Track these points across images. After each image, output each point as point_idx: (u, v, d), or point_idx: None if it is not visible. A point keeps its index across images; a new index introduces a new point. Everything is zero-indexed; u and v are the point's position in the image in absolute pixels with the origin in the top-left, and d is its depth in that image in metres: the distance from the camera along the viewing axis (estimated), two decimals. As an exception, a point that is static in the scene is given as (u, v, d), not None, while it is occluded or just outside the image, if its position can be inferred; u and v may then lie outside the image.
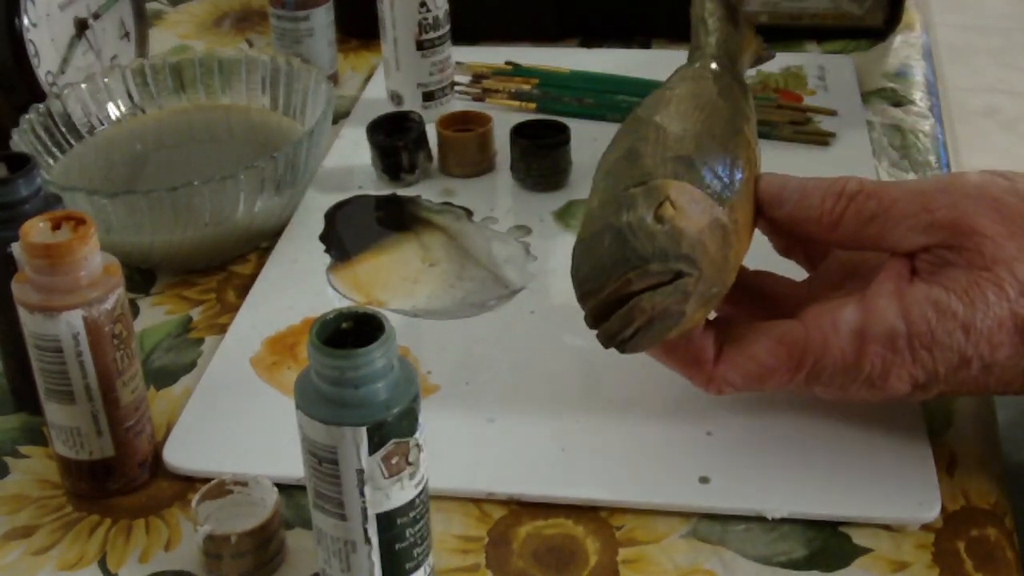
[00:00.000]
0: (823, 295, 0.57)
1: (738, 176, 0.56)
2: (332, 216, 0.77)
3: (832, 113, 0.85)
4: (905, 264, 0.54)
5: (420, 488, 0.48)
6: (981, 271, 0.52)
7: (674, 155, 0.55)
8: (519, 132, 0.79)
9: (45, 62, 0.83)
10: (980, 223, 0.52)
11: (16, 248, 0.54)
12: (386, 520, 0.47)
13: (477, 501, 0.57)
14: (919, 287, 0.53)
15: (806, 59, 0.93)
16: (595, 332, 0.53)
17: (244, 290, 0.71)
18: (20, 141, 0.73)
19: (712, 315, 0.57)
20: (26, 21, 0.80)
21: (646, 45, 0.98)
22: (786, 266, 0.62)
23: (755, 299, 0.60)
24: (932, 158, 0.82)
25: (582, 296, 0.53)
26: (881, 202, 0.54)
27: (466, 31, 0.92)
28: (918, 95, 0.89)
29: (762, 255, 0.60)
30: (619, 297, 0.52)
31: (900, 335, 0.52)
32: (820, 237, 0.57)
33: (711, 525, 0.55)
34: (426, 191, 0.79)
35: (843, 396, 0.55)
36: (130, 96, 0.81)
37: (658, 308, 0.51)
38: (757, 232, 0.59)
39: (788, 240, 0.61)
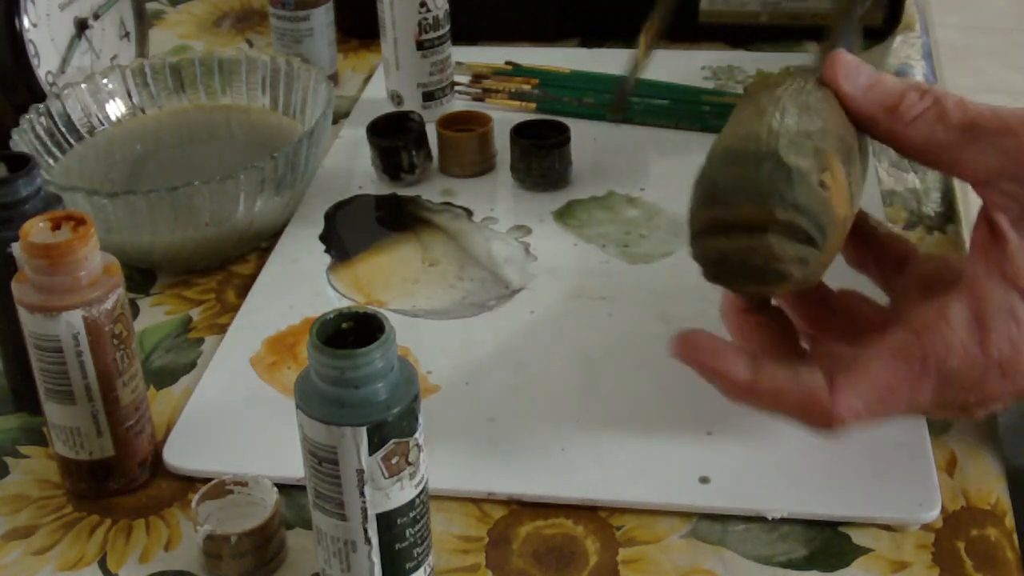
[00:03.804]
0: (912, 308, 0.53)
1: (858, 192, 0.54)
2: (332, 216, 0.77)
3: (832, 113, 0.85)
4: (985, 233, 0.52)
5: (420, 488, 0.48)
6: None
7: (838, 136, 0.52)
8: (519, 132, 0.79)
9: (45, 62, 0.83)
10: None
11: (16, 248, 0.54)
12: (386, 520, 0.47)
13: (477, 501, 0.57)
14: (1015, 252, 0.50)
15: (806, 59, 0.93)
16: (692, 240, 0.51)
17: (244, 290, 0.71)
18: (20, 141, 0.73)
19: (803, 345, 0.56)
20: (26, 21, 0.80)
21: (646, 45, 0.98)
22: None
23: (840, 320, 0.57)
24: (932, 158, 0.82)
25: (710, 200, 0.50)
26: (967, 112, 0.51)
27: (466, 31, 0.92)
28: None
29: (834, 274, 0.59)
30: (748, 222, 0.49)
31: (1018, 305, 0.50)
32: (887, 131, 0.53)
33: (711, 525, 0.55)
34: (426, 191, 0.79)
35: (972, 409, 0.52)
36: (130, 96, 0.81)
37: (780, 255, 0.49)
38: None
39: (861, 251, 0.59)
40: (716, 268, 0.51)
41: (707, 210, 0.51)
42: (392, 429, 0.46)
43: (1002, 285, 0.50)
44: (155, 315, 0.70)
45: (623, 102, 0.66)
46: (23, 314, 0.54)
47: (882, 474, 0.56)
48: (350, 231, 0.76)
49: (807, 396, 0.51)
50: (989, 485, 0.56)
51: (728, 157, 0.51)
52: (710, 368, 0.53)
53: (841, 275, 0.60)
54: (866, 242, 0.59)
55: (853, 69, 0.54)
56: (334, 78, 0.92)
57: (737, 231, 0.50)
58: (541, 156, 0.78)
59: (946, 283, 0.53)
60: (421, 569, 0.50)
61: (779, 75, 0.57)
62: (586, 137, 0.83)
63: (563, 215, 0.76)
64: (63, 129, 0.77)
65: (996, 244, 0.51)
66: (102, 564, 0.55)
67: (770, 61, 0.93)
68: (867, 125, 0.54)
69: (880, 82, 0.53)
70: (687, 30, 0.97)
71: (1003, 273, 0.50)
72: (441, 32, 0.85)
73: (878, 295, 0.59)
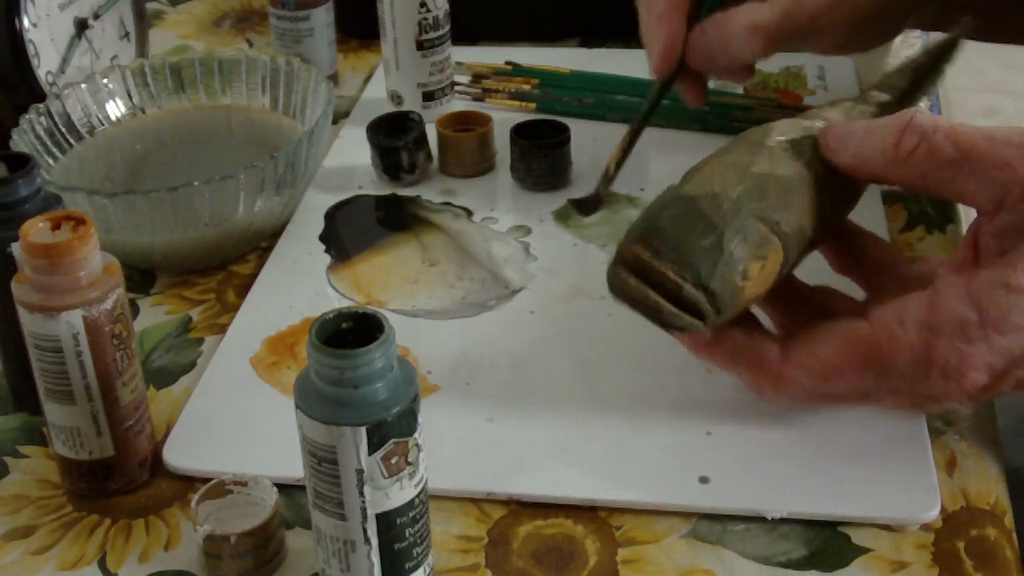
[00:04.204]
0: (880, 302, 0.55)
1: (808, 244, 0.57)
2: (332, 216, 0.77)
3: (832, 113, 0.85)
4: (968, 252, 0.53)
5: (420, 488, 0.48)
6: None
7: (799, 227, 0.55)
8: (519, 132, 0.79)
9: (45, 62, 0.83)
10: None
11: (16, 248, 0.54)
12: (386, 520, 0.47)
13: (477, 501, 0.57)
14: (985, 272, 0.51)
15: (806, 59, 0.93)
16: (614, 259, 0.54)
17: (244, 290, 0.71)
18: (20, 141, 0.73)
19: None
20: (26, 21, 0.80)
21: (646, 45, 0.98)
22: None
23: (815, 315, 0.58)
24: (932, 158, 0.82)
25: (644, 239, 0.53)
26: (959, 146, 0.52)
27: (466, 31, 0.92)
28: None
29: (818, 271, 0.60)
30: (660, 279, 0.53)
31: (972, 323, 0.50)
32: (884, 175, 0.54)
33: (711, 525, 0.55)
34: (426, 191, 0.79)
35: (918, 401, 0.53)
36: (130, 96, 0.81)
37: (669, 321, 0.53)
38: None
39: (845, 259, 0.60)
40: (618, 293, 0.55)
41: (636, 246, 0.54)
42: (392, 429, 0.46)
43: (963, 300, 0.51)
44: (155, 315, 0.70)
45: (597, 203, 0.70)
46: (23, 314, 0.54)
47: (882, 474, 0.56)
48: (350, 231, 0.76)
49: (759, 360, 0.54)
50: (988, 485, 0.56)
51: (684, 206, 0.53)
52: None
53: (823, 273, 0.61)
54: (851, 250, 0.60)
55: (839, 139, 0.56)
56: (334, 78, 0.92)
57: (648, 278, 0.53)
58: (541, 156, 0.78)
59: (927, 283, 0.54)
60: (421, 569, 0.50)
61: (785, 123, 0.59)
62: (586, 137, 0.83)
63: (563, 215, 0.76)
64: (63, 129, 0.77)
65: (973, 264, 0.52)
66: (102, 564, 0.55)
67: (770, 61, 0.92)
68: (867, 178, 0.56)
69: (869, 133, 0.55)
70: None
71: (967, 289, 0.51)
72: (441, 32, 0.85)
73: (858, 294, 0.60)
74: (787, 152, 0.56)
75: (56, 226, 0.53)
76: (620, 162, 0.70)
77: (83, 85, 0.79)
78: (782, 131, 0.57)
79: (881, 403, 0.54)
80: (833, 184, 0.57)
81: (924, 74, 0.67)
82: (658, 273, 0.53)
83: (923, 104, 0.70)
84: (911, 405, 0.54)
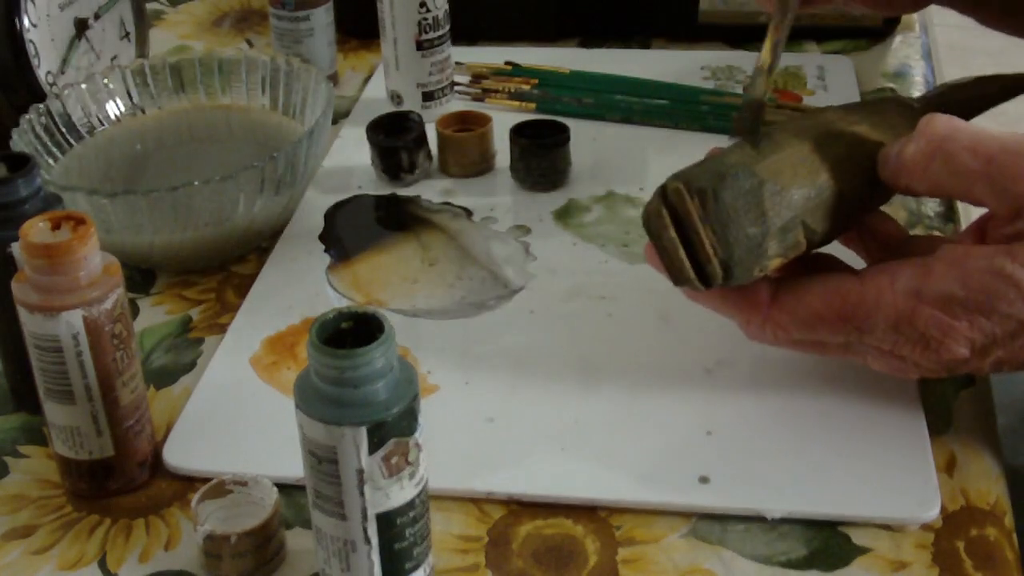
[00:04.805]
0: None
1: (831, 233, 0.57)
2: (332, 216, 0.77)
3: (832, 113, 0.85)
4: (975, 235, 0.54)
5: (420, 488, 0.48)
6: None
7: (831, 230, 0.56)
8: (519, 132, 0.79)
9: (45, 62, 0.83)
10: None
11: (16, 248, 0.54)
12: (386, 520, 0.47)
13: (477, 501, 0.57)
14: (983, 253, 0.52)
15: (805, 59, 0.93)
16: (658, 192, 0.55)
17: (244, 290, 0.71)
18: (20, 141, 0.73)
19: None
20: (26, 21, 0.80)
21: (646, 45, 0.98)
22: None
23: (813, 268, 0.58)
24: (932, 158, 0.82)
25: (700, 191, 0.53)
26: (976, 157, 0.52)
27: (466, 31, 0.92)
28: (917, 95, 0.89)
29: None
30: (695, 232, 0.53)
31: (957, 300, 0.51)
32: (909, 187, 0.55)
33: (711, 525, 0.55)
34: (426, 191, 0.79)
35: (900, 364, 0.55)
36: (130, 96, 0.81)
37: (686, 276, 0.54)
38: None
39: (850, 232, 0.61)
40: (650, 228, 0.55)
41: (688, 195, 0.53)
42: (392, 429, 0.46)
43: (955, 277, 0.52)
44: (155, 315, 0.70)
45: (760, 111, 0.68)
46: (23, 314, 0.54)
47: (882, 474, 0.56)
48: (350, 231, 0.76)
49: (748, 299, 0.56)
50: (988, 485, 0.56)
51: (749, 185, 0.54)
52: None
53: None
54: (877, 251, 0.60)
55: (888, 155, 0.56)
56: (334, 78, 0.92)
57: (682, 226, 0.54)
58: (541, 156, 0.78)
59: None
60: (420, 569, 0.50)
61: (865, 125, 0.59)
62: (586, 137, 0.83)
63: (563, 215, 0.76)
64: (63, 129, 0.77)
65: (971, 243, 0.53)
66: (102, 564, 0.55)
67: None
68: (900, 189, 0.57)
69: (902, 147, 0.55)
70: (687, 30, 0.97)
71: (962, 267, 0.52)
72: (441, 32, 0.85)
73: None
74: (851, 161, 0.57)
75: (56, 226, 0.53)
76: (772, 66, 0.68)
77: (83, 85, 0.79)
78: (859, 133, 0.58)
79: (864, 359, 0.56)
80: (876, 196, 0.58)
81: (990, 102, 0.68)
82: (695, 232, 0.53)
83: None
84: (893, 369, 0.55)
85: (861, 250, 0.61)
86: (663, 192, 0.54)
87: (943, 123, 0.53)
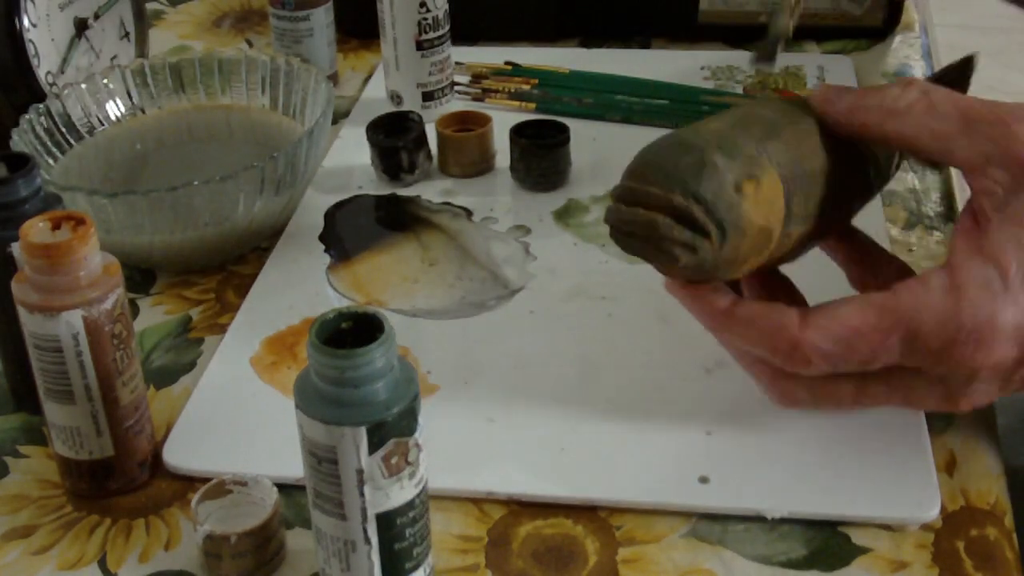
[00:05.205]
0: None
1: (814, 214, 0.55)
2: (332, 216, 0.77)
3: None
4: (969, 221, 0.53)
5: (420, 488, 0.48)
6: None
7: (798, 160, 0.54)
8: (519, 132, 0.79)
9: (45, 62, 0.83)
10: None
11: (16, 248, 0.54)
12: (386, 520, 0.47)
13: (477, 501, 0.57)
14: (996, 232, 0.51)
15: (805, 59, 0.93)
16: (610, 204, 0.54)
17: (244, 290, 0.71)
18: (20, 141, 0.73)
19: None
20: (26, 21, 0.80)
21: (646, 45, 0.98)
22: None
23: None
24: (932, 158, 0.82)
25: (631, 172, 0.53)
26: (957, 106, 0.53)
27: (466, 31, 0.92)
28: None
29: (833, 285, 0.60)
30: (650, 200, 0.52)
31: (994, 279, 0.51)
32: (880, 126, 0.55)
33: (711, 525, 0.55)
34: (426, 191, 0.79)
35: (946, 393, 0.53)
36: (130, 96, 0.81)
37: (667, 235, 0.52)
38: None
39: (859, 270, 0.60)
40: (618, 233, 0.54)
41: (625, 179, 0.54)
42: (392, 429, 0.46)
43: (979, 259, 0.51)
44: (155, 315, 0.70)
45: (775, 49, 0.67)
46: (23, 314, 0.54)
47: (882, 474, 0.56)
48: (350, 231, 0.76)
49: (777, 326, 0.52)
50: (988, 485, 0.56)
51: (668, 141, 0.54)
52: (694, 295, 0.55)
53: (821, 273, 0.61)
54: (863, 263, 0.60)
55: (835, 93, 0.56)
56: (334, 78, 0.92)
57: (641, 205, 0.53)
58: (541, 156, 0.78)
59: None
60: (420, 569, 0.50)
61: (780, 101, 0.59)
62: (586, 137, 0.83)
63: (563, 215, 0.76)
64: (63, 129, 0.77)
65: (977, 227, 0.53)
66: (102, 564, 0.55)
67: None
68: (861, 133, 0.56)
69: (864, 92, 0.56)
70: (687, 30, 0.97)
71: (981, 250, 0.52)
72: (441, 32, 0.85)
73: None
74: (775, 102, 0.57)
75: (56, 226, 0.53)
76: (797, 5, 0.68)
77: (83, 85, 0.79)
78: (772, 103, 0.58)
79: (906, 396, 0.54)
80: (829, 144, 0.56)
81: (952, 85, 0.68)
82: (645, 195, 0.52)
83: None
84: (939, 399, 0.53)
85: (841, 256, 0.61)
86: (611, 199, 0.54)
87: (920, 80, 0.55)
